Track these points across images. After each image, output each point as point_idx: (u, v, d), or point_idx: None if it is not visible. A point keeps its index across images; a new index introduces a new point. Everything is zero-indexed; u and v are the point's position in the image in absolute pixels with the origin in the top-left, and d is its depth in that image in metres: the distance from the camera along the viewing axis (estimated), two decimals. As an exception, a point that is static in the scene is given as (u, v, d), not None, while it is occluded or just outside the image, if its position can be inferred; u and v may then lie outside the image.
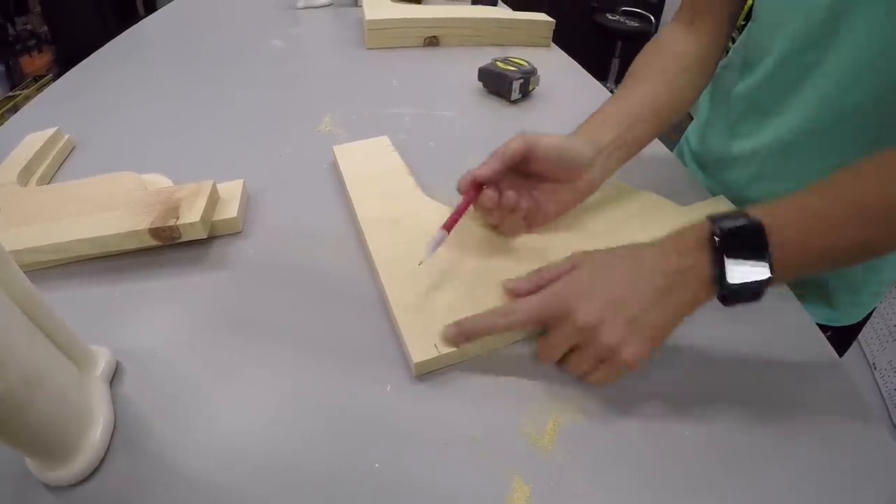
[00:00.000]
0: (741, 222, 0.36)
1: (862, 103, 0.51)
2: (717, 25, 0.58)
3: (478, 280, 0.45)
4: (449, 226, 0.45)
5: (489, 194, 0.46)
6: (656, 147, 0.70)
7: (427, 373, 0.40)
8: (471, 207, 0.48)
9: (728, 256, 0.35)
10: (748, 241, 0.35)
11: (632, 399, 0.39)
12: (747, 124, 0.63)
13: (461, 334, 0.39)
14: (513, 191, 0.47)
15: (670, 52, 0.58)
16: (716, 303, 0.37)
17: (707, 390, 0.40)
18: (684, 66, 0.57)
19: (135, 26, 1.05)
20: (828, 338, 0.61)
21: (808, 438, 0.37)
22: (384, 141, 0.62)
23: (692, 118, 0.82)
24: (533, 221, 0.50)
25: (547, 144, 0.47)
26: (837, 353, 0.62)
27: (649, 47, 0.60)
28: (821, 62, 0.52)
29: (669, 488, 0.34)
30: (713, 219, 0.37)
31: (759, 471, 0.35)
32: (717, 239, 0.35)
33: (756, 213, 0.36)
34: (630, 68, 0.59)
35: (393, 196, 0.54)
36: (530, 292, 0.40)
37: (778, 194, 0.42)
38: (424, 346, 0.39)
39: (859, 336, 1.70)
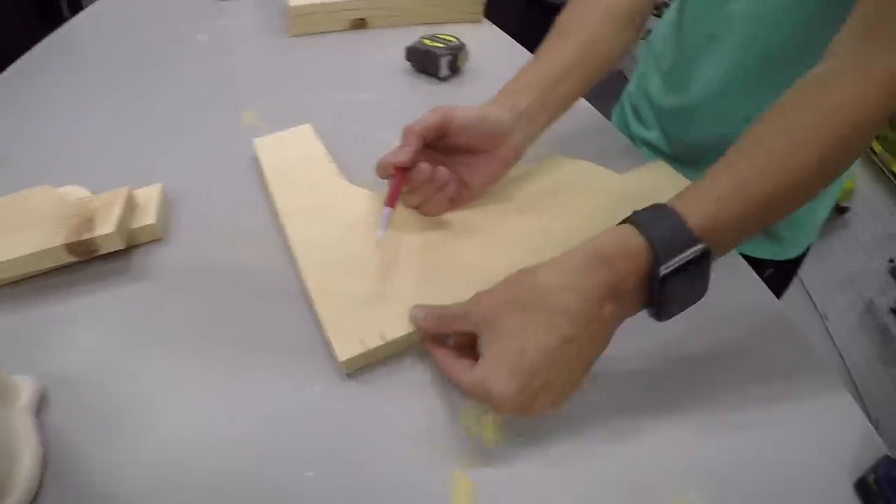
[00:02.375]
0: (684, 257, 0.32)
1: (782, 46, 0.53)
2: None
3: (402, 266, 0.44)
4: (392, 202, 0.43)
5: (422, 168, 0.45)
6: (587, 113, 0.71)
7: (357, 370, 0.39)
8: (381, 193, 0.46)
9: (667, 294, 0.32)
10: (690, 269, 0.32)
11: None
12: (677, 76, 0.65)
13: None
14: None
15: (597, 4, 0.56)
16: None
17: (658, 364, 0.40)
18: (611, 20, 0.56)
19: (59, 30, 1.00)
20: (771, 274, 0.68)
21: (765, 397, 0.38)
22: (307, 129, 0.60)
23: (627, 79, 0.83)
24: (458, 198, 0.49)
25: (463, 114, 0.46)
26: (781, 287, 0.69)
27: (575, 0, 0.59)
28: (738, 10, 0.54)
29: (623, 470, 0.34)
30: (653, 260, 0.32)
31: (718, 440, 0.36)
32: (657, 283, 0.32)
33: (693, 228, 0.32)
34: (556, 22, 0.57)
35: (315, 185, 0.52)
36: (434, 329, 0.38)
37: (719, 138, 0.50)
38: (350, 342, 0.38)
39: (809, 288, 1.77)
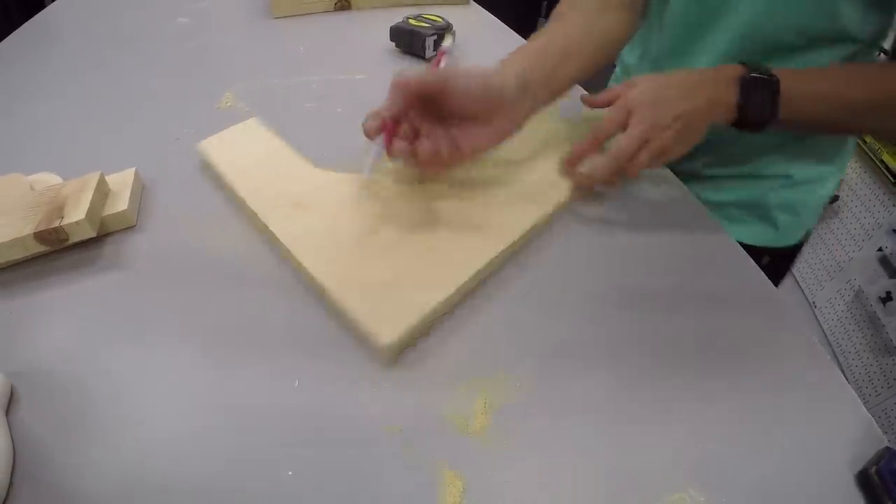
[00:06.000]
0: (765, 75, 0.46)
1: (781, 31, 0.52)
2: None
3: (401, 241, 0.43)
4: (386, 141, 0.43)
5: (401, 146, 0.43)
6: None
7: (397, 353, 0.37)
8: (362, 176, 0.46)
9: (750, 95, 0.45)
10: (767, 88, 0.46)
11: (567, 367, 0.37)
12: (673, 59, 0.64)
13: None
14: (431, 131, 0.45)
15: None
16: (653, 255, 0.46)
17: (655, 358, 0.39)
18: (610, 4, 0.55)
19: (39, 14, 0.97)
20: (767, 263, 0.65)
21: (763, 390, 0.37)
22: (253, 123, 0.56)
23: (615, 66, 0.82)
24: (449, 158, 0.46)
25: (467, 84, 0.42)
26: (776, 278, 0.67)
27: None
28: None
29: (619, 466, 0.33)
30: (746, 66, 0.46)
31: (717, 434, 0.35)
32: (746, 78, 0.46)
33: (777, 72, 0.46)
34: (555, 10, 0.56)
35: (285, 179, 0.49)
36: (604, 102, 0.50)
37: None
38: (390, 323, 0.36)
39: (798, 276, 1.76)
